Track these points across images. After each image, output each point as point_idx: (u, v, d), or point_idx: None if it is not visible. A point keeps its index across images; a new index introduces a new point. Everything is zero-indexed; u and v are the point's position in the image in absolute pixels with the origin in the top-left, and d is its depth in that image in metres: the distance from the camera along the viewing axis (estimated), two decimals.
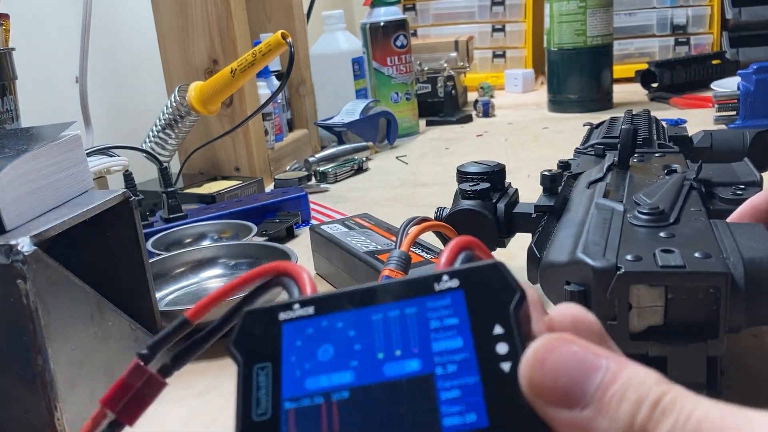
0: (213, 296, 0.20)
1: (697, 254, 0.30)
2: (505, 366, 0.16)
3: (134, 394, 0.20)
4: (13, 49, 0.53)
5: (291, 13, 1.04)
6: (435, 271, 0.18)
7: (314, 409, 0.16)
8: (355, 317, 0.18)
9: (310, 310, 0.18)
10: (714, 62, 1.26)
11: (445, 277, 0.18)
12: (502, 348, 0.16)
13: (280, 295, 0.21)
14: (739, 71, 0.92)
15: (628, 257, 0.30)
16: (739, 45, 1.35)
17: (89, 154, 0.66)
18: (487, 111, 1.24)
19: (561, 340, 0.15)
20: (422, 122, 1.21)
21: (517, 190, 0.51)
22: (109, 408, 0.20)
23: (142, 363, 0.20)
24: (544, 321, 0.18)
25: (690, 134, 0.59)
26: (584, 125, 0.74)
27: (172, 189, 0.70)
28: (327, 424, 0.16)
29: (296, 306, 0.18)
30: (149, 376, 0.20)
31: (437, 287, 0.18)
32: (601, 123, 0.66)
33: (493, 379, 0.16)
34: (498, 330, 0.16)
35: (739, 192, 0.41)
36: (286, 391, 0.17)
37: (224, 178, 0.89)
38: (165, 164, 0.72)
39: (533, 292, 0.18)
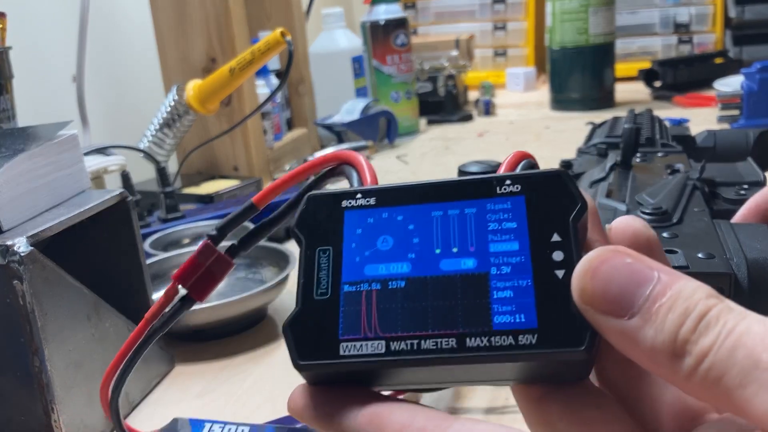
0: (278, 182, 0.21)
1: (700, 255, 0.30)
2: (559, 273, 0.16)
3: (204, 272, 0.21)
4: (9, 48, 0.53)
5: (290, 10, 1.04)
6: (498, 174, 0.18)
7: (372, 294, 0.17)
8: (416, 212, 0.18)
9: (372, 200, 0.18)
10: (717, 61, 1.25)
11: (508, 182, 0.18)
12: (557, 255, 0.16)
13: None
14: (742, 70, 0.91)
15: None
16: (742, 43, 1.34)
17: (86, 154, 0.66)
18: (488, 110, 1.23)
19: (615, 252, 0.16)
20: (423, 121, 1.21)
21: None
22: (181, 283, 0.21)
23: (210, 242, 0.21)
24: (603, 231, 0.18)
25: (693, 134, 0.59)
26: (587, 125, 0.73)
27: (170, 189, 0.70)
28: (383, 309, 0.17)
29: (359, 195, 0.19)
30: (218, 256, 0.21)
31: (499, 191, 0.18)
32: (604, 122, 0.66)
33: (546, 285, 0.16)
34: (556, 238, 0.17)
35: (742, 192, 0.40)
36: (346, 275, 0.18)
37: (222, 177, 0.88)
38: (163, 164, 0.71)
39: (591, 201, 0.18)
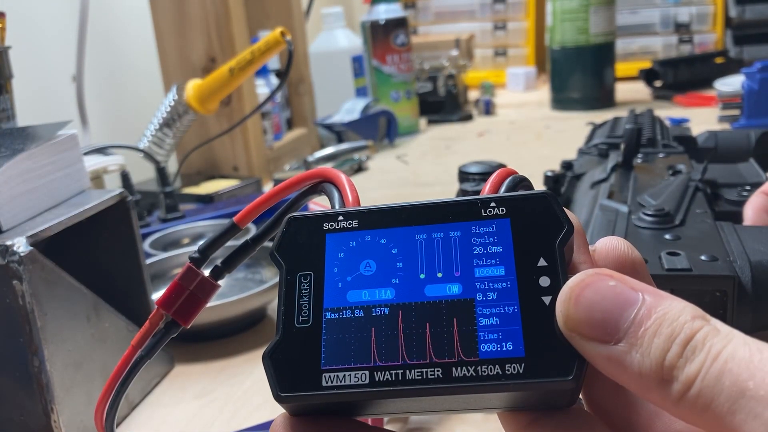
0: (260, 200, 0.21)
1: (703, 257, 0.29)
2: (546, 299, 0.16)
3: (188, 296, 0.20)
4: (9, 47, 0.53)
5: (290, 10, 1.04)
6: (483, 196, 0.18)
7: (355, 322, 0.17)
8: (399, 235, 0.18)
9: (354, 223, 0.18)
10: (717, 61, 1.25)
11: (493, 204, 0.17)
12: (544, 281, 0.16)
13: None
14: (743, 69, 0.91)
15: None
16: (742, 43, 1.34)
17: (86, 154, 0.65)
18: (488, 110, 1.23)
19: (598, 276, 0.15)
20: (423, 121, 1.21)
21: None
22: (165, 309, 0.20)
23: (193, 266, 0.21)
24: (588, 252, 0.18)
25: (694, 133, 0.59)
26: (587, 125, 0.73)
27: (170, 189, 0.70)
28: (366, 338, 0.16)
29: (341, 217, 0.18)
30: (201, 279, 0.21)
31: (484, 213, 0.17)
32: (604, 123, 0.65)
33: (533, 311, 0.16)
34: (542, 262, 0.16)
35: (744, 193, 0.40)
36: (327, 301, 0.17)
37: (222, 177, 0.88)
38: (163, 164, 0.71)
39: (577, 222, 0.18)
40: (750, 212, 0.34)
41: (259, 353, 0.48)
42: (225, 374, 0.46)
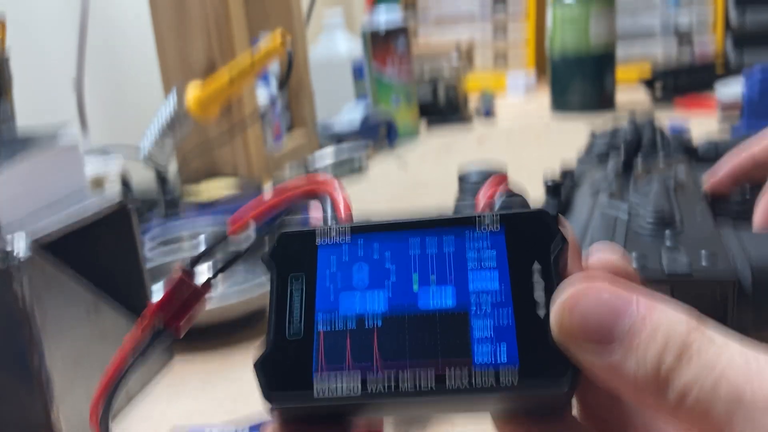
0: (254, 212, 0.21)
1: (703, 261, 0.29)
2: (541, 313, 0.16)
3: (179, 307, 0.21)
4: (8, 54, 0.53)
5: (290, 14, 1.04)
6: (477, 212, 0.18)
7: (347, 333, 0.17)
8: (392, 248, 0.18)
9: (347, 236, 0.18)
10: (718, 71, 1.24)
11: (488, 219, 0.18)
12: (539, 295, 0.16)
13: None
14: (743, 72, 0.91)
15: (633, 263, 0.29)
16: (742, 48, 1.34)
17: (86, 157, 0.65)
18: (488, 114, 1.23)
19: (592, 285, 0.15)
20: (423, 126, 1.21)
21: None
22: (156, 319, 0.20)
23: (185, 276, 0.21)
24: (581, 265, 0.18)
25: (695, 138, 0.59)
26: (587, 129, 0.73)
27: (170, 196, 0.70)
28: (358, 349, 0.16)
29: (333, 231, 0.18)
30: (193, 289, 0.21)
31: (478, 227, 0.18)
32: (603, 132, 0.65)
33: (527, 324, 0.16)
34: (536, 277, 0.17)
35: (747, 196, 0.40)
36: (319, 313, 0.17)
37: (222, 176, 0.88)
38: (163, 171, 0.71)
39: (572, 235, 0.18)
40: (759, 216, 0.34)
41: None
42: (225, 368, 0.46)
